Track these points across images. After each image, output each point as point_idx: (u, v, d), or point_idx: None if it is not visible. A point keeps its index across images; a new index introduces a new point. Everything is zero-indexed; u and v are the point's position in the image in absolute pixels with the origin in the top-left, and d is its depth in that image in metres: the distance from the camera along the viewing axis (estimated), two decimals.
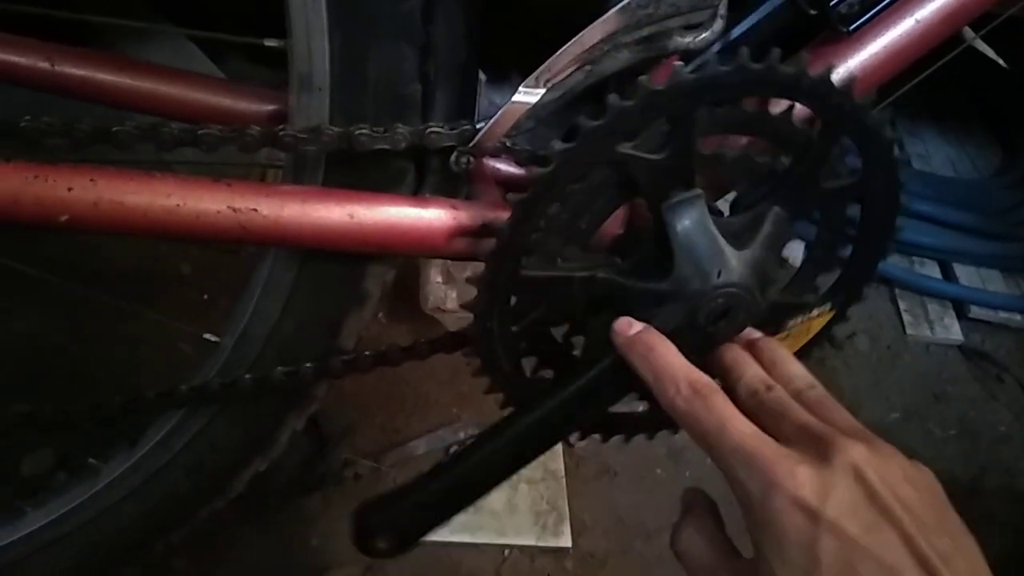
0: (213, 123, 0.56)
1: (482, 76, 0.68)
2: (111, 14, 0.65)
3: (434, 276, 1.23)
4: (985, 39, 0.84)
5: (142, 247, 1.26)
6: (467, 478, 0.61)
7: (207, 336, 0.70)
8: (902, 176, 0.61)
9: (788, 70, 0.54)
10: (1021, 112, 1.72)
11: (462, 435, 1.16)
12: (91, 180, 0.51)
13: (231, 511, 0.98)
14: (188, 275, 1.26)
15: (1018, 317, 1.50)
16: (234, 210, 0.54)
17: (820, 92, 0.55)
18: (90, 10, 0.61)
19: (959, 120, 1.78)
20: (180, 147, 0.54)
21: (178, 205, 0.53)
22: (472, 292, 0.58)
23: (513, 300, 0.60)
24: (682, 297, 0.57)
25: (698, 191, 0.58)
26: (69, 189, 0.51)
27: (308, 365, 0.68)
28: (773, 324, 0.67)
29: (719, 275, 0.57)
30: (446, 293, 1.24)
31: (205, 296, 1.24)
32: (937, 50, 0.67)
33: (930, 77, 0.72)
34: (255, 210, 0.54)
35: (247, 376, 0.68)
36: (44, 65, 0.63)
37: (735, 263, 0.58)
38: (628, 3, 0.53)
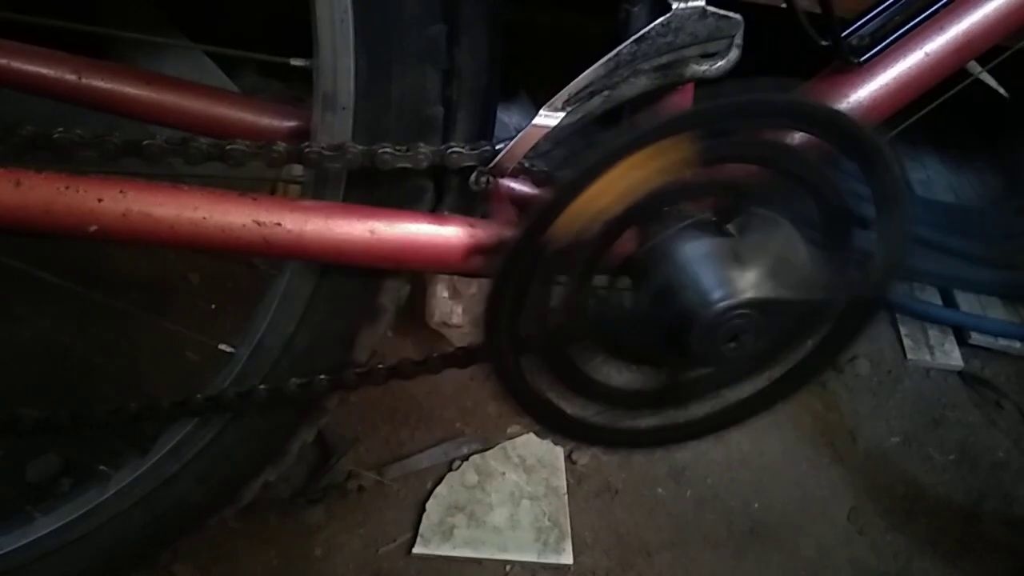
0: (235, 138, 0.57)
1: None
2: (128, 28, 0.67)
3: (440, 291, 1.24)
4: (987, 68, 0.86)
5: (152, 255, 1.27)
6: None
7: (222, 347, 0.71)
8: (912, 207, 0.62)
9: (798, 101, 0.55)
10: (1022, 140, 1.74)
11: (465, 450, 1.16)
12: (121, 192, 0.53)
13: (235, 520, 0.99)
14: (197, 284, 1.27)
15: (1018, 344, 1.51)
16: (259, 224, 0.55)
17: (829, 122, 0.57)
18: (108, 25, 0.62)
19: (961, 147, 1.80)
20: (208, 161, 0.55)
21: (204, 218, 0.54)
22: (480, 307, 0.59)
23: (524, 318, 0.61)
24: (693, 318, 0.58)
25: (707, 215, 0.59)
26: (99, 200, 0.52)
27: (322, 377, 0.69)
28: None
29: (727, 297, 0.58)
30: (452, 308, 1.25)
31: (213, 305, 1.25)
32: (945, 82, 0.69)
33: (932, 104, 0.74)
34: (279, 224, 0.56)
35: (261, 387, 0.69)
36: (71, 77, 0.65)
37: (743, 285, 0.58)
38: (647, 32, 0.55)
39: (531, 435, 1.19)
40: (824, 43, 0.64)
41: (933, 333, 1.51)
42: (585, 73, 0.56)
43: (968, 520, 1.25)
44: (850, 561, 1.15)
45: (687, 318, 0.58)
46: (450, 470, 1.14)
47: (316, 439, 1.12)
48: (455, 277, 1.22)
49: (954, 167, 1.77)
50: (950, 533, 1.23)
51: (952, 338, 1.51)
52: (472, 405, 1.22)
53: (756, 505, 1.19)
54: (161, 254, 1.26)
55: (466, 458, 1.15)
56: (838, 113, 0.56)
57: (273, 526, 1.04)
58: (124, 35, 0.63)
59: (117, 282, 1.21)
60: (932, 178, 1.73)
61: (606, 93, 0.58)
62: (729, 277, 0.57)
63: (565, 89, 0.56)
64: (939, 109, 0.76)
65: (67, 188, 0.51)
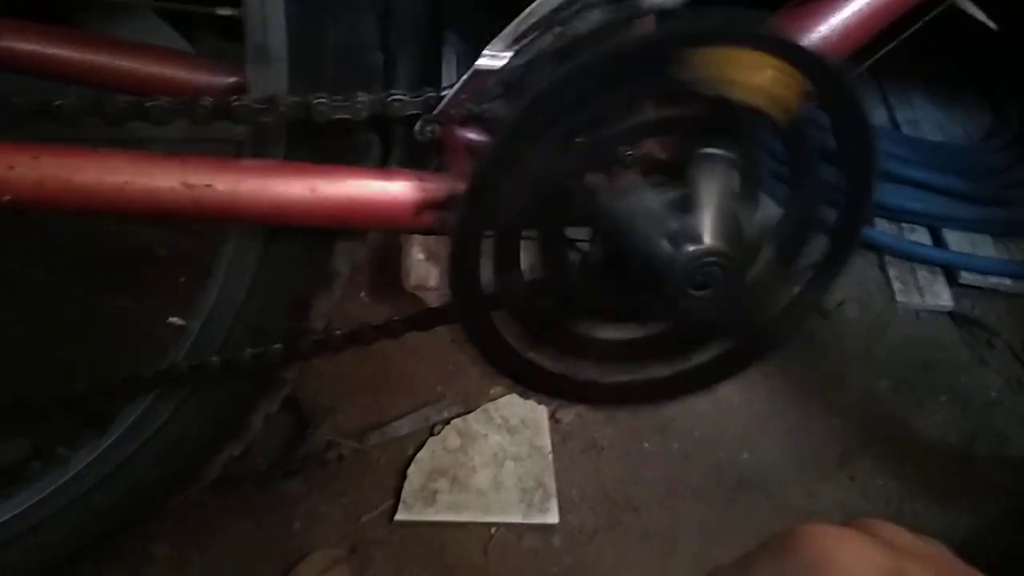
0: (169, 96, 0.53)
1: (457, 47, 0.65)
2: None
3: (416, 253, 1.21)
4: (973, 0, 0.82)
5: (116, 230, 1.23)
6: None
7: (172, 320, 0.68)
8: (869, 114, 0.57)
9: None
10: (1010, 75, 1.70)
11: (446, 414, 1.14)
12: (34, 158, 0.49)
13: (212, 495, 0.97)
14: (164, 258, 1.23)
15: (1008, 281, 1.48)
16: (188, 186, 0.52)
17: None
18: None
19: (948, 84, 1.75)
20: (128, 120, 0.51)
21: (127, 182, 0.51)
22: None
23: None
24: (660, 270, 0.55)
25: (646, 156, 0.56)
26: (10, 167, 0.48)
27: (277, 346, 0.66)
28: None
29: (689, 244, 0.54)
30: (428, 270, 1.21)
31: (182, 279, 1.22)
32: (921, 9, 0.65)
33: (918, 41, 0.70)
34: (210, 186, 0.52)
35: (215, 358, 0.66)
36: None
37: (701, 228, 0.55)
38: None
39: (513, 396, 1.16)
40: None
41: (922, 274, 1.48)
42: (530, 8, 0.52)
43: (961, 461, 1.24)
44: (840, 507, 1.14)
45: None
46: (431, 435, 1.11)
47: (292, 409, 1.10)
48: (431, 239, 1.19)
49: (942, 105, 1.73)
50: (943, 475, 1.21)
51: (942, 278, 1.48)
52: (452, 368, 1.20)
53: (744, 455, 1.18)
54: (126, 229, 1.22)
55: (447, 422, 1.13)
56: (798, 47, 0.52)
57: (251, 500, 1.01)
58: None
59: (81, 259, 1.17)
60: (920, 117, 1.68)
61: (557, 29, 0.54)
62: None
63: (510, 26, 0.52)
64: (926, 45, 0.73)
65: None
